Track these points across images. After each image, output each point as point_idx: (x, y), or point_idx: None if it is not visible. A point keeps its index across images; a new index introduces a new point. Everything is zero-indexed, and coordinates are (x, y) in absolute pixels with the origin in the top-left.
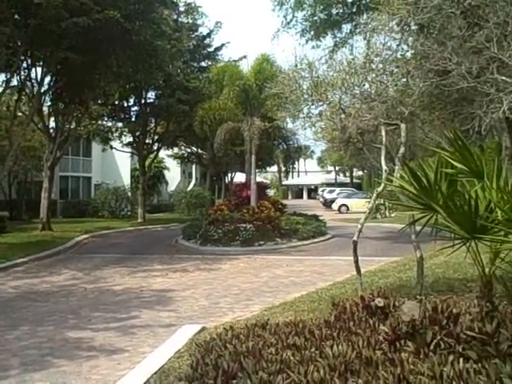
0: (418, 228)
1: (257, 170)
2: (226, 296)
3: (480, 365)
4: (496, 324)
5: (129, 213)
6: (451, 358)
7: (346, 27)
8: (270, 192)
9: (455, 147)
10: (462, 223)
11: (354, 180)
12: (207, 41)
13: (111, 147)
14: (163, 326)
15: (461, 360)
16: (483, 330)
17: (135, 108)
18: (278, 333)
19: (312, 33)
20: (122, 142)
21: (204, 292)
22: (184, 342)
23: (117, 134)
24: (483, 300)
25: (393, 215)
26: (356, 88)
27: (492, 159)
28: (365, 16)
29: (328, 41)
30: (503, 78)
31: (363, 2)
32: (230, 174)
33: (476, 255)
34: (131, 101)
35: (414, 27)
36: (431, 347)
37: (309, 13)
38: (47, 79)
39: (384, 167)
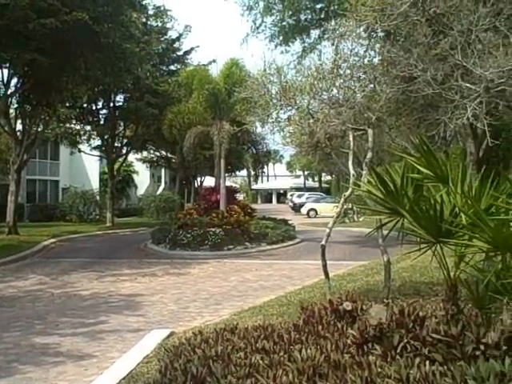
0: (385, 232)
1: (226, 174)
2: (195, 300)
3: (446, 367)
4: (461, 327)
5: (97, 217)
6: (417, 360)
7: (315, 33)
8: (240, 196)
9: (421, 153)
10: (427, 227)
11: (323, 184)
12: (176, 44)
13: (79, 150)
14: (132, 331)
15: (427, 362)
16: (449, 332)
17: (104, 111)
18: (246, 337)
19: (281, 38)
20: (90, 145)
21: (173, 296)
22: (152, 346)
23: (85, 137)
24: (448, 303)
25: (361, 219)
26: (324, 93)
27: (457, 165)
28: (333, 22)
29: (297, 46)
30: (467, 84)
31: (331, 8)
32: (199, 178)
33: (441, 259)
34: (100, 104)
35: (380, 34)
36: (398, 350)
37: (278, 18)
38: (14, 81)
39: (351, 172)
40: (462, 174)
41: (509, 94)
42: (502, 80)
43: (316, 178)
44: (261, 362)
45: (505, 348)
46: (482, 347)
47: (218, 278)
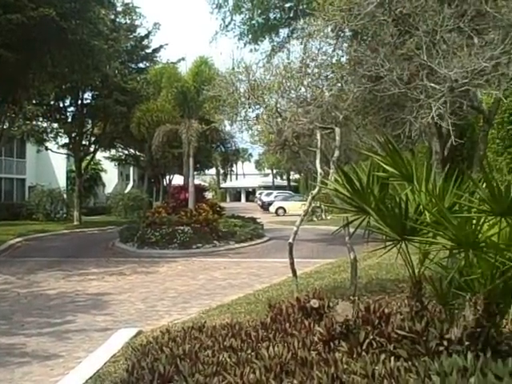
0: (352, 230)
1: (195, 173)
2: (163, 299)
3: (410, 363)
4: (425, 323)
5: (64, 215)
6: (383, 356)
7: (284, 32)
8: (209, 195)
9: (386, 151)
10: (392, 225)
11: (291, 183)
12: (145, 42)
13: (46, 148)
14: (99, 331)
15: (392, 358)
16: (413, 328)
17: (71, 108)
18: (214, 335)
19: (250, 36)
20: (57, 143)
21: (141, 295)
22: (120, 346)
23: (52, 135)
24: (413, 300)
25: (329, 218)
26: (292, 92)
27: (423, 163)
28: (301, 21)
29: (266, 45)
30: (432, 84)
31: (300, 7)
32: (168, 177)
33: (406, 256)
34: (67, 101)
35: (348, 33)
36: (364, 347)
37: (247, 16)
38: None
39: (319, 170)
40: (426, 173)
41: (472, 94)
42: (466, 80)
43: (285, 177)
44: (228, 359)
45: (467, 343)
46: (445, 343)
47: (187, 277)
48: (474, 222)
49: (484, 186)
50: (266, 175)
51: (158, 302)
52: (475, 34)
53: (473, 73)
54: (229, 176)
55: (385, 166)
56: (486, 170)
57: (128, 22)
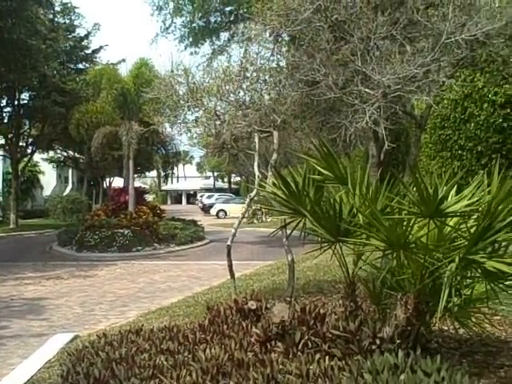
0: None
1: (135, 175)
2: (102, 303)
3: (344, 362)
4: (359, 322)
5: (0, 218)
6: (318, 356)
7: (224, 35)
8: (149, 197)
9: (321, 155)
10: (327, 227)
11: (232, 186)
12: (85, 42)
13: None
14: (34, 336)
15: (326, 358)
16: (347, 328)
17: (8, 109)
18: (151, 338)
19: (191, 39)
20: None
21: (78, 299)
22: (55, 351)
23: None
24: (347, 300)
25: (269, 220)
26: (231, 95)
27: (360, 167)
28: (241, 25)
29: (207, 48)
30: (367, 90)
31: (241, 11)
32: (108, 179)
33: (341, 258)
34: (3, 101)
35: (286, 38)
36: (299, 347)
37: (187, 19)
38: None
39: (257, 173)
40: (360, 176)
41: (405, 99)
42: (398, 86)
43: (226, 179)
44: (165, 362)
45: (398, 341)
46: (377, 341)
47: (126, 280)
48: (405, 223)
49: (414, 189)
50: (208, 178)
51: (96, 306)
52: (407, 41)
53: (405, 79)
54: (170, 178)
55: (320, 169)
56: (415, 174)
57: (67, 21)
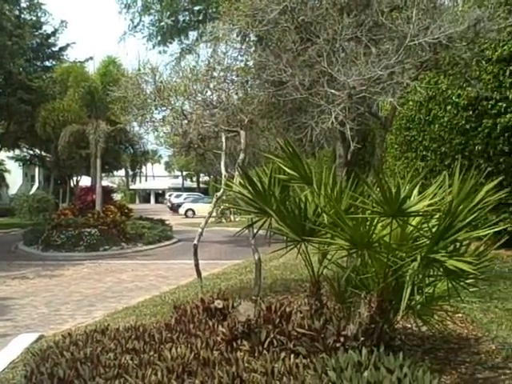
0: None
1: (103, 174)
2: (68, 303)
3: (309, 360)
4: (323, 321)
5: None
6: (283, 354)
7: (193, 34)
8: (117, 196)
9: (287, 155)
10: (293, 226)
11: (201, 185)
12: (52, 40)
13: None
14: None
15: (292, 356)
16: (312, 326)
17: None
18: (117, 338)
19: (159, 38)
20: None
21: (44, 299)
22: (19, 351)
23: None
24: (313, 298)
25: (237, 219)
26: (198, 95)
27: (327, 167)
28: (209, 25)
29: (175, 47)
30: (332, 91)
31: (209, 10)
32: (75, 178)
33: (306, 257)
34: None
35: (253, 38)
36: (265, 345)
37: (156, 18)
38: None
39: (223, 173)
40: (326, 176)
41: (370, 100)
42: (363, 87)
43: (194, 179)
44: (130, 362)
45: (362, 339)
46: (342, 339)
47: (93, 280)
48: (368, 223)
49: (377, 189)
50: (176, 177)
51: (62, 306)
52: (372, 43)
53: (370, 81)
54: (138, 177)
55: (286, 168)
56: (379, 174)
57: (33, 18)
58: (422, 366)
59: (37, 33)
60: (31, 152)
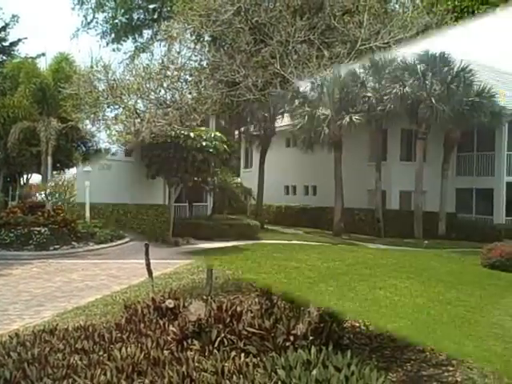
0: None
1: (54, 172)
2: (16, 302)
3: (259, 358)
4: (274, 320)
5: None
6: (233, 353)
7: (147, 33)
8: None
9: None
10: None
11: None
12: (2, 34)
13: None
14: None
15: (242, 355)
16: (262, 326)
17: None
18: (66, 338)
19: (113, 35)
20: None
21: None
22: None
23: None
24: (263, 298)
25: None
26: (152, 93)
27: None
28: (164, 24)
29: (130, 45)
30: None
31: (164, 9)
32: (25, 176)
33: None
34: None
35: (207, 38)
36: (216, 344)
37: (110, 15)
38: None
39: None
40: None
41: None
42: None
43: None
44: (79, 362)
45: (312, 338)
46: (291, 338)
47: (42, 279)
48: None
49: None
50: None
51: (10, 306)
52: (324, 46)
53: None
54: None
55: None
56: None
57: None
58: (369, 364)
59: None
60: None
